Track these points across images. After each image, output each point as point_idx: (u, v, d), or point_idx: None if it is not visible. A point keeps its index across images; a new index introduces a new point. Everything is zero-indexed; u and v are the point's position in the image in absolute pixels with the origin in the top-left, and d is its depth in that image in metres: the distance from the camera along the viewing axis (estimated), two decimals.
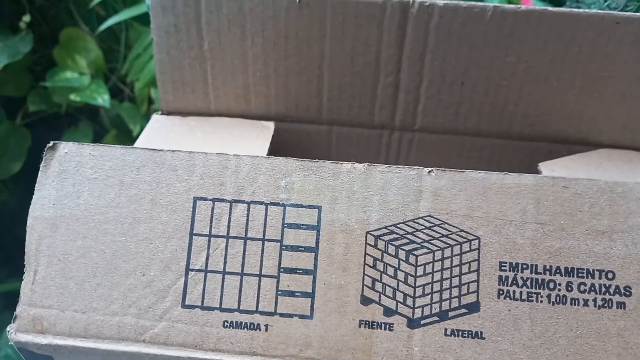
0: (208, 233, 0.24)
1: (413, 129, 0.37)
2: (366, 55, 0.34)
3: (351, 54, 0.34)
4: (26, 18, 0.75)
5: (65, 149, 0.24)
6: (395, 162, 0.38)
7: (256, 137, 0.35)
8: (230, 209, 0.24)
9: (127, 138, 0.82)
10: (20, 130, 0.79)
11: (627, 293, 0.23)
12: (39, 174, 0.24)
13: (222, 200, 0.24)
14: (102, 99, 0.75)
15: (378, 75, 0.35)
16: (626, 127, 0.34)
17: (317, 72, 0.35)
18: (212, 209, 0.24)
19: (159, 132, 0.35)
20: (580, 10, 0.31)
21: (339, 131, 0.37)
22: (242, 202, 0.24)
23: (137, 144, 0.33)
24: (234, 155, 0.24)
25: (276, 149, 0.36)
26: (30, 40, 0.75)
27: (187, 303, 0.23)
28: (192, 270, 0.24)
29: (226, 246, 0.24)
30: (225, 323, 0.23)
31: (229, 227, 0.24)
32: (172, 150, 0.25)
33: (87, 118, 0.85)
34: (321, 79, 0.35)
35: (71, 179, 0.24)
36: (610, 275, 0.23)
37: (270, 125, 0.36)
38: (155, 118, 0.36)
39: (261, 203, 0.24)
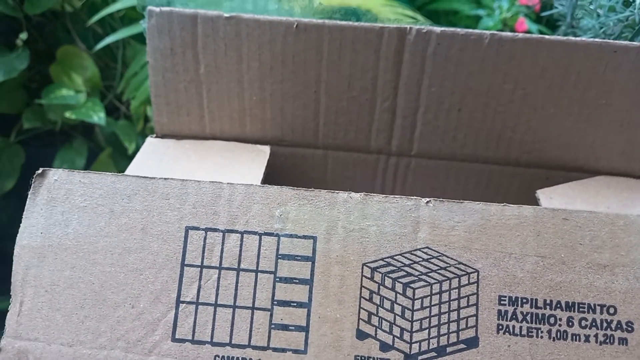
0: (200, 264, 0.23)
1: (410, 154, 0.36)
2: (363, 81, 0.34)
3: (348, 79, 0.34)
4: (23, 36, 0.75)
5: (55, 176, 0.24)
6: (391, 187, 0.38)
7: (251, 161, 0.34)
8: (223, 239, 0.23)
9: (122, 156, 0.82)
10: (13, 147, 0.78)
11: (629, 329, 0.22)
12: (27, 202, 0.24)
13: (214, 230, 0.23)
14: (98, 116, 0.74)
15: (375, 101, 0.34)
16: (624, 155, 0.34)
17: (313, 96, 0.35)
18: (205, 238, 0.23)
19: (153, 155, 0.34)
20: (578, 38, 0.31)
21: (335, 155, 0.37)
22: (236, 232, 0.23)
23: (130, 167, 0.33)
24: (227, 183, 0.24)
25: (272, 172, 0.35)
26: (27, 57, 0.74)
27: (177, 337, 0.23)
28: (182, 302, 0.23)
29: (218, 277, 0.23)
30: (217, 358, 0.22)
31: (221, 257, 0.23)
32: (165, 178, 0.24)
33: (81, 135, 0.84)
34: (317, 103, 0.35)
35: (60, 207, 0.24)
36: (611, 310, 0.22)
37: (266, 149, 0.35)
38: (150, 141, 0.36)
39: (255, 233, 0.23)
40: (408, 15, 0.84)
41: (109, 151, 0.82)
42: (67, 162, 0.83)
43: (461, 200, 0.24)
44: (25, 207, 0.24)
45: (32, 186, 0.24)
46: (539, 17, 0.98)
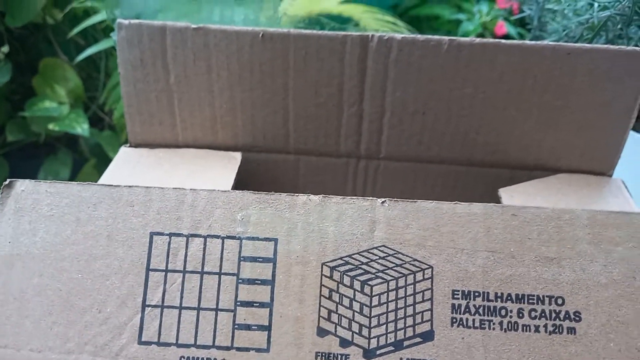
0: (164, 268, 0.24)
1: (378, 157, 0.37)
2: (329, 87, 0.35)
3: (315, 86, 0.35)
4: (4, 49, 0.75)
5: (22, 186, 0.25)
6: (362, 189, 0.39)
7: (223, 168, 0.35)
8: (187, 244, 0.24)
9: (106, 167, 0.82)
10: None
11: (577, 318, 0.23)
12: None
13: (178, 234, 0.24)
14: (82, 128, 0.75)
15: (342, 106, 0.35)
16: (584, 154, 0.35)
17: (282, 103, 0.36)
18: (169, 243, 0.24)
19: (126, 164, 0.35)
20: (533, 42, 0.33)
21: (306, 160, 0.38)
22: (199, 236, 0.24)
23: (104, 177, 0.33)
24: (190, 189, 0.25)
25: (244, 179, 0.36)
26: (9, 70, 0.75)
27: (143, 339, 0.23)
28: (148, 305, 0.24)
29: (182, 281, 0.24)
30: (182, 358, 0.23)
31: (185, 261, 0.24)
32: (129, 186, 0.25)
33: (66, 147, 0.84)
34: (287, 110, 0.36)
35: (27, 217, 0.24)
36: (560, 301, 0.23)
37: (237, 155, 0.36)
38: (123, 150, 0.37)
39: (217, 237, 0.24)
40: (389, 22, 0.85)
41: (93, 162, 0.83)
42: (51, 174, 0.83)
43: (415, 200, 0.25)
44: None
45: None
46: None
